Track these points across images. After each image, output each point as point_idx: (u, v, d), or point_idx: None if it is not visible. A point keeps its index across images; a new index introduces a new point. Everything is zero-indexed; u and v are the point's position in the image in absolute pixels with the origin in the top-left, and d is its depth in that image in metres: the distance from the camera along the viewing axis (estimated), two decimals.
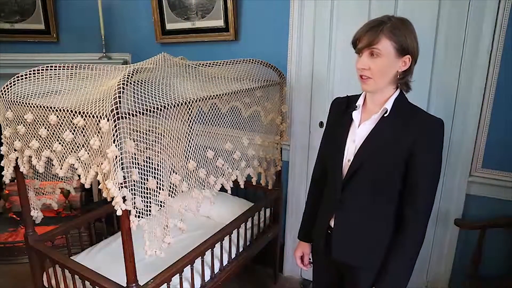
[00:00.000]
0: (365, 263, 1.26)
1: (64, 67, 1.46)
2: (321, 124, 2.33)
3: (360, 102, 1.26)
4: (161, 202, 1.34)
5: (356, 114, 1.25)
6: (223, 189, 1.71)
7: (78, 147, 1.31)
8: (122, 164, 1.19)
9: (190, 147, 1.50)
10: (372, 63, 1.12)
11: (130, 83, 1.25)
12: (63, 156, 1.37)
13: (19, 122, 1.46)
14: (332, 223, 1.30)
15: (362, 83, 1.17)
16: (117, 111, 1.15)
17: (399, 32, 1.10)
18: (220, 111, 1.77)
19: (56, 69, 1.45)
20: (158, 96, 1.36)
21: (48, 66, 1.44)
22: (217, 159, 1.65)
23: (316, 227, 1.41)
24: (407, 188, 1.17)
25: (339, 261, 1.31)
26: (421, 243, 1.21)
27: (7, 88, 1.46)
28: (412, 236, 1.19)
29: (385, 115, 1.17)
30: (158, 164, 1.35)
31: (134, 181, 1.24)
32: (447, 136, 1.93)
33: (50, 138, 1.38)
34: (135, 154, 1.24)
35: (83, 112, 1.22)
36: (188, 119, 1.56)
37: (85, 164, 1.29)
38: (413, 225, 1.18)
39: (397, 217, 1.22)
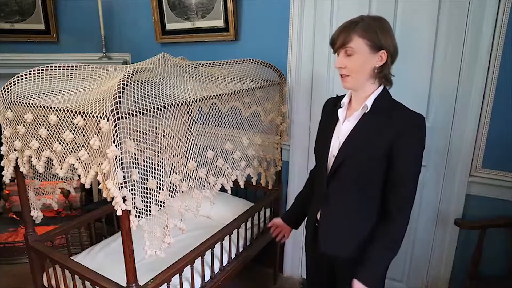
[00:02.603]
0: (352, 256, 1.28)
1: (64, 67, 1.46)
2: None
3: (345, 100, 1.31)
4: (161, 202, 1.34)
5: (341, 112, 1.30)
6: (223, 189, 1.71)
7: (78, 147, 1.31)
8: (122, 164, 1.19)
9: (190, 147, 1.50)
10: (348, 61, 1.17)
11: (130, 83, 1.25)
12: (63, 156, 1.37)
13: (19, 122, 1.46)
14: (319, 217, 1.36)
15: (342, 81, 1.23)
16: (117, 111, 1.15)
17: (370, 29, 1.14)
18: (220, 111, 1.77)
19: (56, 69, 1.45)
20: (158, 96, 1.35)
21: (48, 66, 1.44)
22: (217, 159, 1.65)
23: (307, 222, 1.48)
24: (389, 181, 1.20)
25: (326, 254, 1.35)
26: (404, 234, 1.22)
27: (7, 88, 1.46)
28: (396, 227, 1.21)
29: (366, 111, 1.21)
30: (158, 164, 1.35)
31: (134, 181, 1.24)
32: (447, 136, 1.94)
33: (50, 138, 1.38)
34: (135, 154, 1.24)
35: (83, 112, 1.22)
36: (188, 119, 1.56)
37: (85, 164, 1.29)
38: (396, 216, 1.20)
39: (381, 210, 1.25)
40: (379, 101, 1.21)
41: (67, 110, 1.27)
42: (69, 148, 1.33)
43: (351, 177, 1.23)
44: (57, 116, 1.32)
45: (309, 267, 1.55)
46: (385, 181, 1.21)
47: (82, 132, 1.27)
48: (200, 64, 1.79)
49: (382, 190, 1.23)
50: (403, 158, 1.17)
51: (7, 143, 1.56)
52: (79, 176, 1.32)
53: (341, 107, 1.30)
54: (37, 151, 1.44)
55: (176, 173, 1.43)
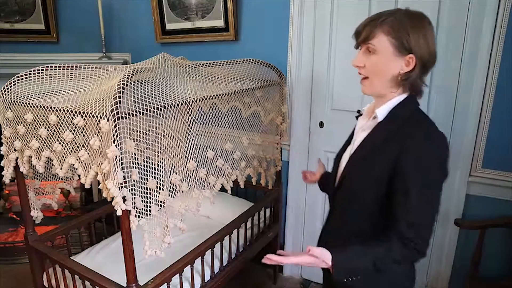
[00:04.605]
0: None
1: (64, 67, 1.46)
2: (321, 124, 2.33)
3: (366, 107, 1.15)
4: (161, 202, 1.34)
5: (360, 120, 1.16)
6: (223, 189, 1.71)
7: (78, 147, 1.31)
8: (122, 164, 1.19)
9: (190, 147, 1.50)
10: (368, 60, 1.01)
11: (130, 83, 1.25)
12: (63, 156, 1.37)
13: (19, 122, 1.46)
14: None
15: (361, 85, 1.06)
16: (117, 111, 1.15)
17: (401, 27, 0.95)
18: (220, 111, 1.77)
19: (56, 69, 1.45)
20: (158, 96, 1.35)
21: (48, 66, 1.44)
22: (217, 159, 1.65)
23: None
24: (392, 206, 0.98)
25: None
26: (390, 261, 0.96)
27: (7, 88, 1.46)
28: (389, 248, 0.95)
29: (379, 121, 1.04)
30: (158, 164, 1.35)
31: (134, 181, 1.24)
32: (447, 136, 1.92)
33: (50, 138, 1.38)
34: (135, 154, 1.24)
35: (83, 112, 1.22)
36: (188, 119, 1.56)
37: (85, 164, 1.29)
38: (392, 240, 0.95)
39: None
40: (399, 109, 1.02)
41: (67, 110, 1.27)
42: (69, 148, 1.33)
43: (350, 194, 1.08)
44: (57, 116, 1.32)
45: (323, 278, 1.39)
46: (390, 206, 0.99)
47: (82, 132, 1.27)
48: (200, 64, 1.79)
49: (383, 218, 1.01)
50: (404, 178, 0.95)
51: (7, 143, 1.56)
52: (79, 176, 1.32)
53: (361, 115, 1.15)
54: (37, 151, 1.44)
55: (176, 173, 1.43)
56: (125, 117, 1.18)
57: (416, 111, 1.04)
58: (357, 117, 1.18)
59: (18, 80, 1.45)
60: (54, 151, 1.38)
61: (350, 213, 1.12)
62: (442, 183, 0.99)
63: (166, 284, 1.54)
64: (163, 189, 1.34)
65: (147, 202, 1.30)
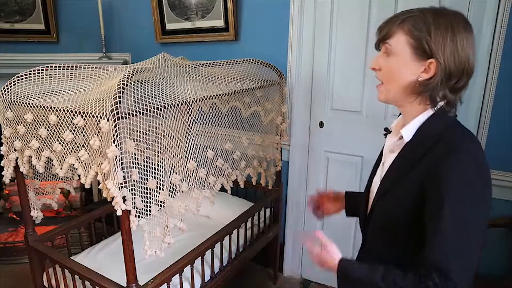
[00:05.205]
0: None
1: (64, 67, 1.46)
2: (321, 124, 2.33)
3: (394, 123, 1.03)
4: (161, 202, 1.34)
5: (388, 139, 1.04)
6: (223, 189, 1.71)
7: (78, 147, 1.31)
8: (122, 164, 1.19)
9: (190, 147, 1.50)
10: (384, 62, 0.90)
11: (130, 83, 1.25)
12: (63, 156, 1.37)
13: (19, 122, 1.46)
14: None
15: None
16: (117, 111, 1.15)
17: (423, 26, 0.82)
18: (220, 111, 1.77)
19: (56, 69, 1.45)
20: (158, 96, 1.36)
21: (48, 66, 1.44)
22: (217, 159, 1.65)
23: None
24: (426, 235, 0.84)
25: None
26: None
27: (7, 88, 1.46)
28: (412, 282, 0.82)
29: (406, 142, 0.92)
30: (158, 164, 1.35)
31: (134, 181, 1.24)
32: None
33: (50, 138, 1.38)
34: (135, 154, 1.24)
35: (83, 112, 1.22)
36: (188, 119, 1.56)
37: (85, 164, 1.29)
38: (420, 275, 0.81)
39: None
40: (426, 127, 0.89)
41: (67, 110, 1.27)
42: (69, 148, 1.33)
43: (382, 223, 0.97)
44: (57, 116, 1.32)
45: None
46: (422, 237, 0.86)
47: (82, 132, 1.27)
48: (200, 64, 1.79)
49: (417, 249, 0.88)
50: (432, 216, 0.81)
51: (7, 143, 1.56)
52: (79, 176, 1.32)
53: (390, 133, 1.03)
54: (37, 151, 1.44)
55: (176, 173, 1.43)
56: (125, 117, 1.18)
57: (451, 127, 0.89)
58: (385, 135, 1.06)
59: (18, 80, 1.45)
60: (54, 151, 1.38)
61: (383, 245, 0.99)
62: (486, 216, 0.83)
63: (166, 284, 1.54)
64: (163, 189, 1.34)
65: (147, 202, 1.30)
